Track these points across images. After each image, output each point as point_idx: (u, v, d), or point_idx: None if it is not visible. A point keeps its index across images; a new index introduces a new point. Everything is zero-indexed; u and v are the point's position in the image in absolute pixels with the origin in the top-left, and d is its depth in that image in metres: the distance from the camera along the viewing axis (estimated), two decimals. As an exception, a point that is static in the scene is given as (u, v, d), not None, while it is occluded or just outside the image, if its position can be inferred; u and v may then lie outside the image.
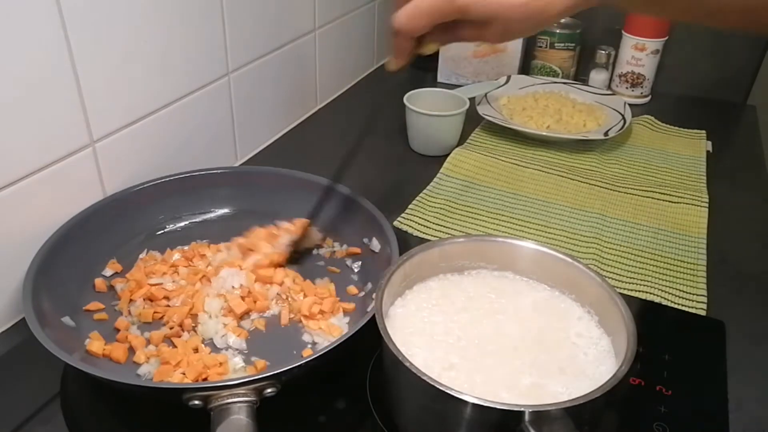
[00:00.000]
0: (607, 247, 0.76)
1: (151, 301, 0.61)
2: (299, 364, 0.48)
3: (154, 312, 0.60)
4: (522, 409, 0.41)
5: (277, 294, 0.63)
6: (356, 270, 0.68)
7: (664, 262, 0.74)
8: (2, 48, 0.55)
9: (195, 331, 0.59)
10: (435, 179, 0.89)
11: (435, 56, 1.21)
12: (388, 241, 0.62)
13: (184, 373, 0.54)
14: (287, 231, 0.68)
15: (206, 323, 0.59)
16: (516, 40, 1.15)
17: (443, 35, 0.56)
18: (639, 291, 0.69)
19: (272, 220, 0.71)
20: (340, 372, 0.56)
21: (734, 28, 0.56)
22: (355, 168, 0.65)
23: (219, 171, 0.75)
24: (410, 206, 0.83)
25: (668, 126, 1.08)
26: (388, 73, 0.58)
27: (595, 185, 0.89)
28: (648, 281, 0.70)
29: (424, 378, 0.42)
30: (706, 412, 0.55)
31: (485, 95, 1.08)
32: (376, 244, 0.66)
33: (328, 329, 0.59)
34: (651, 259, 0.74)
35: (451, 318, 0.53)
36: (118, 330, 0.59)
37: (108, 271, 0.65)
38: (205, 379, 0.54)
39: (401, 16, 0.53)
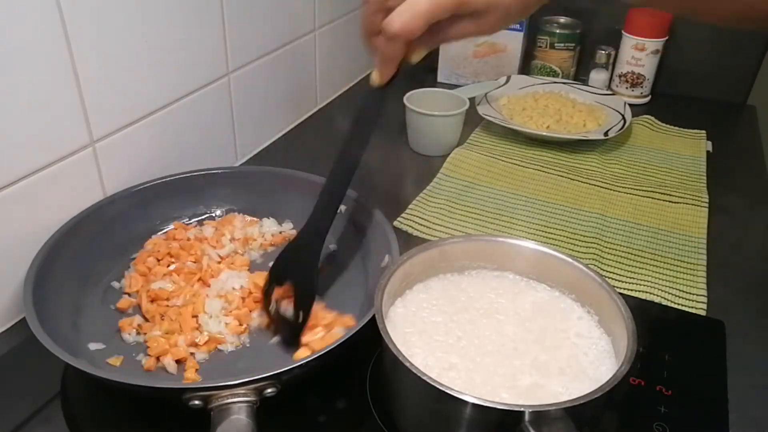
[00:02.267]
0: (607, 247, 0.76)
1: (153, 300, 0.61)
2: (299, 363, 0.48)
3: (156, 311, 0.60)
4: (522, 409, 0.41)
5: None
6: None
7: (664, 262, 0.74)
8: (2, 48, 0.55)
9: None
10: (435, 179, 0.89)
11: (435, 55, 1.21)
12: (388, 241, 0.62)
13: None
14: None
15: (207, 323, 0.59)
16: (516, 41, 1.16)
17: (433, 37, 0.51)
18: (639, 291, 0.69)
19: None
20: (340, 372, 0.56)
21: (726, 22, 0.54)
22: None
23: (219, 171, 0.75)
24: (410, 206, 0.83)
25: (668, 126, 1.08)
26: (372, 88, 0.53)
27: (595, 185, 0.89)
28: (648, 281, 0.70)
29: (424, 378, 0.42)
30: (706, 412, 0.55)
31: (485, 95, 1.08)
32: (376, 245, 0.66)
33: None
34: (651, 259, 0.74)
35: (451, 318, 0.53)
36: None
37: (110, 271, 0.65)
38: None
39: (395, 19, 0.48)
